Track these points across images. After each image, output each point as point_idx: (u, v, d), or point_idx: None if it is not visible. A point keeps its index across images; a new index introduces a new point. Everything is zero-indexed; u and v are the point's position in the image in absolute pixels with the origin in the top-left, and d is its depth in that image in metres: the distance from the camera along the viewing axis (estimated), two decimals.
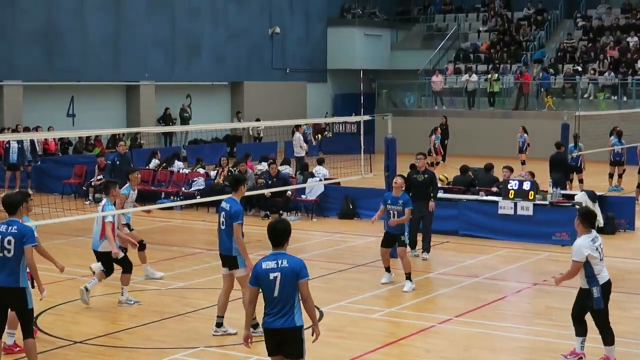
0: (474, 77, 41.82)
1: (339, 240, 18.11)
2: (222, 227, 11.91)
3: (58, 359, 11.29)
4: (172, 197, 24.08)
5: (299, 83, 44.24)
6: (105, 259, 13.73)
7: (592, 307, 10.46)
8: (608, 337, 10.59)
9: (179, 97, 39.07)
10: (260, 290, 8.51)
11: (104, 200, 13.86)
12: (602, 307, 10.44)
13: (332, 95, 46.99)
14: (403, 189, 15.42)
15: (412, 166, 22.11)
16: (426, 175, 17.65)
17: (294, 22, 44.49)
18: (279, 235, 8.61)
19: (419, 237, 17.61)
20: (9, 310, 10.26)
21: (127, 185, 15.60)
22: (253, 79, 41.88)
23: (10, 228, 9.98)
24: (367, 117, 18.96)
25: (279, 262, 8.45)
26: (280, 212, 22.48)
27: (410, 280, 14.83)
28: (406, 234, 15.18)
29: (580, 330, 10.79)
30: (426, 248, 17.64)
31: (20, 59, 32.49)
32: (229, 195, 12.15)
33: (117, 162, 21.41)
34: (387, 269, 15.36)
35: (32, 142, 27.69)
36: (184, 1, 38.68)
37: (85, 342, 11.88)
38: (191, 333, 12.57)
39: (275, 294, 8.38)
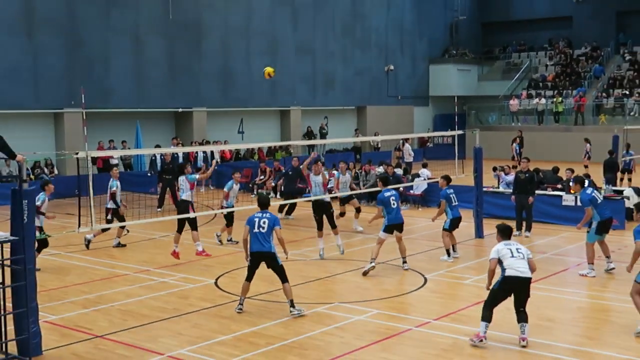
0: (543, 101, 40.95)
1: (439, 225, 17.84)
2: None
3: (232, 310, 11.37)
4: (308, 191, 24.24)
5: (408, 107, 44.01)
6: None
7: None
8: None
9: (319, 118, 39.39)
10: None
11: None
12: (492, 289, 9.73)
13: (433, 116, 46.54)
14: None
15: (494, 168, 21.70)
16: (527, 175, 17.42)
17: (404, 62, 44.26)
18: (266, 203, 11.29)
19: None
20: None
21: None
22: (373, 104, 41.90)
23: (264, 214, 11.11)
24: (460, 132, 18.68)
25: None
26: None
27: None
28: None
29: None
30: (528, 228, 17.47)
31: (204, 92, 33.37)
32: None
33: (290, 173, 21.42)
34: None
35: (212, 152, 28.43)
36: (323, 47, 38.96)
37: (251, 298, 12.05)
38: (328, 292, 12.67)
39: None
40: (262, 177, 26.38)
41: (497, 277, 9.79)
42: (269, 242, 10.91)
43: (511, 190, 18.37)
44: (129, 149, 28.03)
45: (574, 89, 41.60)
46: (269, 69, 18.05)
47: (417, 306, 11.52)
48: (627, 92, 39.54)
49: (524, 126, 39.64)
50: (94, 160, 26.72)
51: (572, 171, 20.11)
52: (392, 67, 42.90)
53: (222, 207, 16.68)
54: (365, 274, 13.55)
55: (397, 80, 43.70)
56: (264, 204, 11.33)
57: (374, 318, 10.76)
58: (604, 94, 40.26)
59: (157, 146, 27.30)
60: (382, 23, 42.60)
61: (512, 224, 17.59)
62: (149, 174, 27.18)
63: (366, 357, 9.19)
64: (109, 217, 16.52)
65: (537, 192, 18.90)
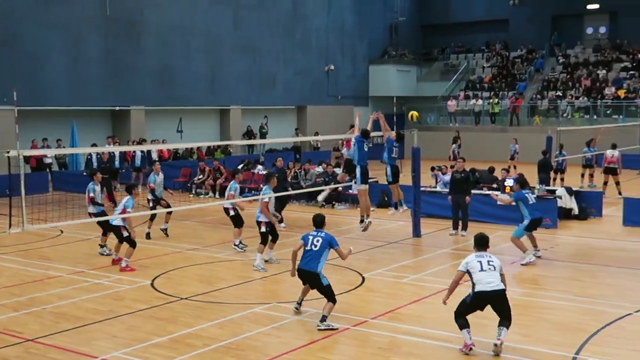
0: (480, 102, 41.62)
1: (376, 224, 17.99)
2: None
3: (169, 311, 11.28)
4: (252, 192, 24.17)
5: (347, 107, 44.21)
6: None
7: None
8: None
9: (259, 117, 39.26)
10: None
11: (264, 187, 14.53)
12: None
13: None
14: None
15: (432, 168, 21.93)
16: (463, 174, 17.61)
17: (344, 62, 44.47)
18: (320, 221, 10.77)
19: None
20: None
21: (267, 186, 14.60)
22: (313, 103, 42.00)
23: (319, 234, 10.65)
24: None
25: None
26: (333, 202, 22.45)
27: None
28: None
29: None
30: (464, 228, 17.65)
31: (142, 90, 32.90)
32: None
33: (276, 175, 20.42)
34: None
35: (149, 151, 28.05)
36: (264, 47, 38.83)
37: (189, 299, 11.96)
38: (267, 292, 12.61)
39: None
40: (200, 176, 26.13)
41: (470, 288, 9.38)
42: (316, 262, 10.37)
43: (448, 190, 18.60)
44: (64, 147, 27.42)
45: (509, 90, 42.47)
46: (414, 113, 18.64)
47: (355, 305, 11.55)
48: (561, 94, 40.53)
49: (462, 127, 40.22)
50: (27, 159, 26.05)
51: (507, 171, 20.60)
52: (332, 67, 43.06)
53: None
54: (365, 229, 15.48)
55: (338, 81, 43.88)
56: (319, 223, 10.79)
57: (312, 318, 10.74)
58: (538, 96, 41.17)
59: (94, 145, 26.78)
60: (323, 24, 42.72)
61: (449, 223, 17.88)
62: (84, 174, 26.63)
63: (304, 357, 9.17)
64: (151, 205, 17.45)
65: (473, 191, 19.18)
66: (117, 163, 27.01)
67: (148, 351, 9.39)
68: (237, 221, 15.77)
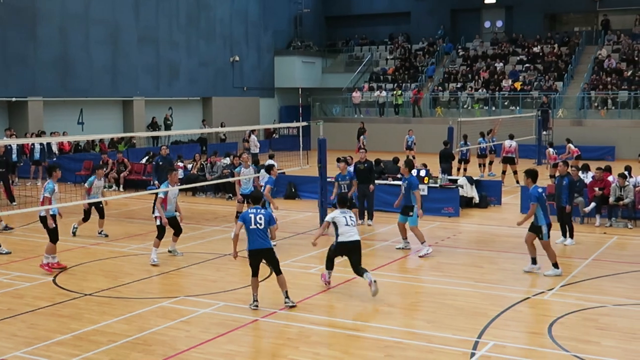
0: (384, 93, 42.25)
1: (284, 215, 18.03)
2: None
3: (72, 307, 11.00)
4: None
5: (253, 98, 44.10)
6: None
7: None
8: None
9: (163, 109, 38.61)
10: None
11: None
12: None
13: (279, 107, 46.89)
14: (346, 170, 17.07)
15: (338, 159, 22.15)
16: (366, 165, 17.81)
17: (249, 53, 44.22)
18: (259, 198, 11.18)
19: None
20: None
21: (166, 182, 14.14)
22: (218, 95, 41.62)
23: (259, 210, 10.83)
24: (304, 124, 18.91)
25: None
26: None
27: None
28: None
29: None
30: (370, 217, 17.93)
31: (40, 81, 31.81)
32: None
33: (161, 163, 19.55)
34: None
35: (49, 144, 27.18)
36: (166, 36, 38.18)
37: (93, 295, 11.70)
38: (173, 286, 12.46)
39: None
40: (103, 169, 25.48)
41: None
42: (267, 238, 10.72)
43: None
44: None
45: (412, 82, 43.30)
46: None
47: (263, 297, 11.54)
48: (461, 86, 41.64)
49: (366, 118, 40.77)
50: None
51: (424, 166, 21.01)
52: (237, 58, 42.76)
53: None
54: None
55: (243, 72, 43.62)
56: (257, 199, 11.14)
57: (220, 310, 10.69)
58: (439, 88, 42.15)
59: None
60: (227, 13, 42.34)
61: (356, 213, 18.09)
62: None
63: (212, 350, 9.11)
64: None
65: (379, 182, 19.51)
66: (14, 157, 25.96)
67: (51, 349, 9.12)
68: (162, 231, 13.96)
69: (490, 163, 27.55)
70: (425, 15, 48.07)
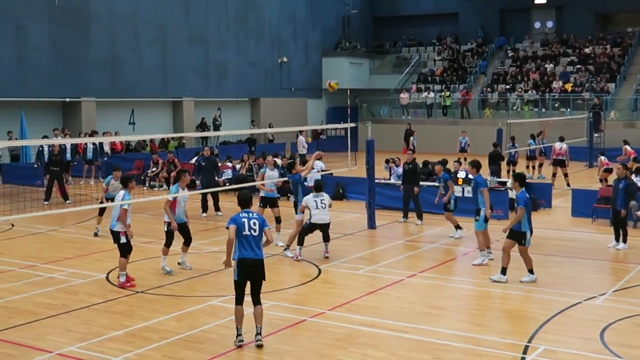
0: (432, 95, 42.02)
1: (332, 216, 18.06)
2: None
3: (124, 304, 11.22)
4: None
5: (301, 99, 44.23)
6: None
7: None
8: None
9: (212, 109, 39.01)
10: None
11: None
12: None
13: (326, 108, 46.97)
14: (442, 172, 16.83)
15: (387, 160, 22.04)
16: (411, 166, 17.77)
17: (297, 53, 44.42)
18: (249, 200, 9.60)
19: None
20: None
21: (176, 184, 13.51)
22: (267, 95, 41.88)
23: (252, 215, 9.42)
24: (352, 125, 18.94)
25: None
26: (288, 195, 22.42)
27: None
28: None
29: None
30: (419, 217, 17.93)
31: (92, 81, 32.42)
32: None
33: (203, 163, 19.82)
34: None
35: (101, 143, 27.67)
36: (215, 37, 38.58)
37: (144, 292, 11.89)
38: (222, 285, 12.60)
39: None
40: (154, 169, 25.90)
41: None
42: (261, 248, 9.34)
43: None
44: (16, 139, 26.85)
45: (460, 83, 42.96)
46: (332, 83, 18.54)
47: (311, 297, 11.62)
48: (510, 87, 41.19)
49: (414, 119, 40.58)
50: None
51: (460, 163, 20.87)
52: (285, 59, 42.97)
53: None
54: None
55: (291, 72, 43.82)
56: (246, 202, 9.57)
57: (269, 310, 10.77)
58: (488, 89, 41.77)
59: (45, 137, 26.27)
60: (275, 13, 42.58)
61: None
62: (35, 166, 26.22)
63: (261, 349, 9.19)
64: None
65: (426, 183, 19.44)
66: (68, 156, 26.51)
67: (104, 345, 9.32)
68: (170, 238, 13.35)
69: (540, 165, 27.23)
70: (473, 16, 47.64)
